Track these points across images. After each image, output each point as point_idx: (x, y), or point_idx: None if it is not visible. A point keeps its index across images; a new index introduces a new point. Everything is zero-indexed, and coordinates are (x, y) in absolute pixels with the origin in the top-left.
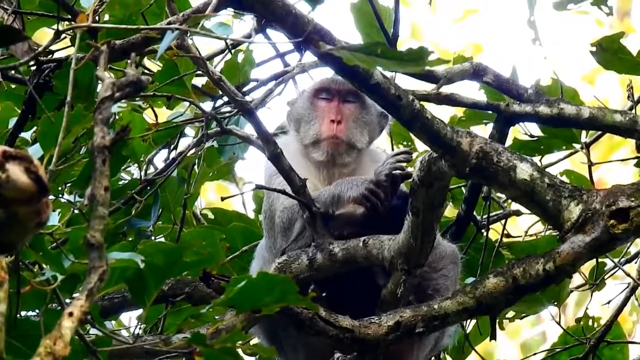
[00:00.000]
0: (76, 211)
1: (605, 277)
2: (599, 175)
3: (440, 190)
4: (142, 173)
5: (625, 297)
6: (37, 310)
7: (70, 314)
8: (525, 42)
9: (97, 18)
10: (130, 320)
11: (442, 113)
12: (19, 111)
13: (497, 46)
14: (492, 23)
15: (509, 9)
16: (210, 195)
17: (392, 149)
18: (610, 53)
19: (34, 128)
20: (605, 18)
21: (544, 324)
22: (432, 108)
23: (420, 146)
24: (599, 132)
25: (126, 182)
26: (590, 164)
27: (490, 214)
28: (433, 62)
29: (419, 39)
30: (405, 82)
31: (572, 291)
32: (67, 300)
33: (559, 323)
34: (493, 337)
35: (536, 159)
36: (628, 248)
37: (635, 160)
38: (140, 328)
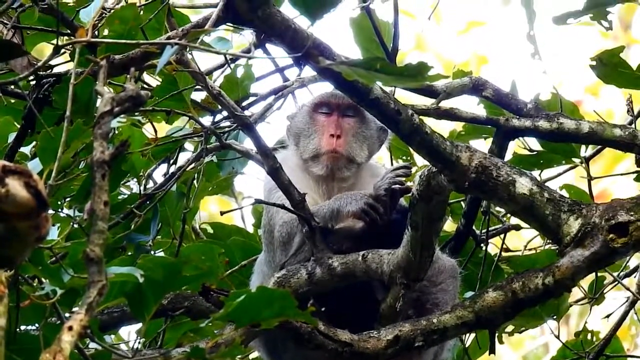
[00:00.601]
0: (75, 225)
1: (605, 291)
2: (603, 187)
3: (440, 205)
4: (142, 187)
5: (625, 311)
6: (36, 324)
7: (70, 328)
8: (527, 55)
9: (96, 33)
10: (129, 334)
11: (442, 128)
12: (19, 126)
13: (502, 57)
14: (496, 34)
15: (513, 20)
16: (212, 208)
17: (392, 164)
18: (610, 67)
19: (34, 143)
20: (609, 29)
21: (546, 335)
22: (431, 122)
23: (420, 161)
24: (599, 147)
25: (125, 196)
26: (590, 179)
27: (490, 228)
28: (432, 77)
29: (423, 50)
30: (405, 96)
31: (571, 305)
32: (67, 315)
33: (557, 337)
34: (492, 351)
35: (535, 173)
36: (627, 262)
37: (635, 175)
38: (139, 342)
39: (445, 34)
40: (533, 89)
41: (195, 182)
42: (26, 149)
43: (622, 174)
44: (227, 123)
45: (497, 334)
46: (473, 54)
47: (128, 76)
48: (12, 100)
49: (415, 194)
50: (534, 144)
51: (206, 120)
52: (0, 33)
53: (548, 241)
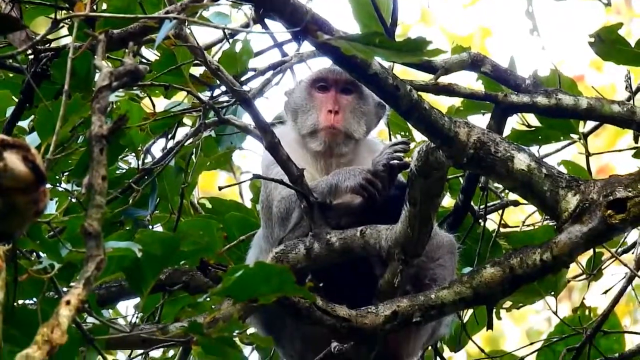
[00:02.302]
0: (74, 200)
1: (603, 267)
2: (605, 162)
3: (438, 181)
4: (140, 162)
5: (622, 287)
6: (34, 299)
7: (68, 303)
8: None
9: (95, 7)
10: (127, 309)
11: (440, 103)
12: (17, 100)
13: (506, 31)
14: (502, 7)
15: None
16: (220, 181)
17: (390, 139)
18: (608, 44)
19: (32, 117)
20: (613, 2)
21: (549, 310)
22: (429, 98)
23: (418, 136)
24: (597, 123)
25: (124, 171)
26: (588, 155)
27: (488, 204)
28: (431, 53)
29: (428, 24)
30: (403, 72)
31: (569, 281)
32: (65, 289)
33: (555, 313)
34: (490, 327)
35: (534, 149)
36: (625, 238)
37: (634, 151)
38: (137, 317)
39: (452, 7)
40: (535, 64)
41: (193, 157)
42: (24, 123)
43: (620, 150)
44: (226, 98)
45: (494, 310)
46: (478, 27)
47: (126, 50)
48: (11, 74)
49: (414, 169)
50: (532, 119)
51: (204, 95)
52: None
53: (546, 217)
